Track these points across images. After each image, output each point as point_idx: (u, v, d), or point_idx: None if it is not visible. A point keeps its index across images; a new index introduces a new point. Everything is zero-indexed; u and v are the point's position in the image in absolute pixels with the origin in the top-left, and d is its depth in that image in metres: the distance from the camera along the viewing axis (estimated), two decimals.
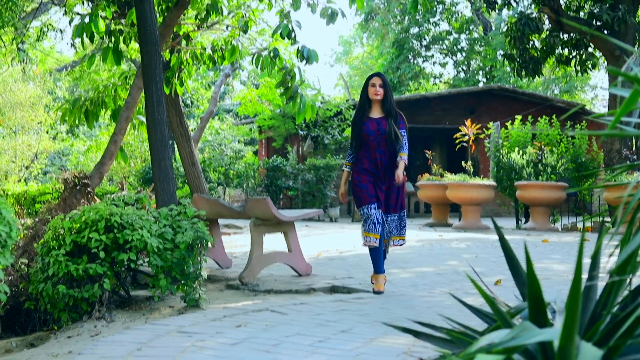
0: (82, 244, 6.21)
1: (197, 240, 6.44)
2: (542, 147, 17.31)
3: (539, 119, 19.00)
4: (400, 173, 7.45)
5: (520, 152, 17.57)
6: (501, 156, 17.93)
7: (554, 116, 18.56)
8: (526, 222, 17.22)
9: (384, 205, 7.61)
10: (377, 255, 7.50)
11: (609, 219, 15.79)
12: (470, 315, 3.04)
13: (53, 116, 20.49)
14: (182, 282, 6.41)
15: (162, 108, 8.36)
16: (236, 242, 13.09)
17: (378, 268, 7.47)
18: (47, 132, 23.22)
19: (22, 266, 7.47)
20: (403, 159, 7.54)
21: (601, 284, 2.52)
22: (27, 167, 20.63)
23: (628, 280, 2.59)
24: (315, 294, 7.23)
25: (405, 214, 7.81)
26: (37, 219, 10.41)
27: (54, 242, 6.33)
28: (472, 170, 17.73)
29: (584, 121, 18.15)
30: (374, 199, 7.51)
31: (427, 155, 18.99)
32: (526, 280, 2.46)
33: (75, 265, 6.09)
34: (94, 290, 6.08)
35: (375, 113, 7.78)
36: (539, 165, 17.04)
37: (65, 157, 31.74)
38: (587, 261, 2.68)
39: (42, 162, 22.66)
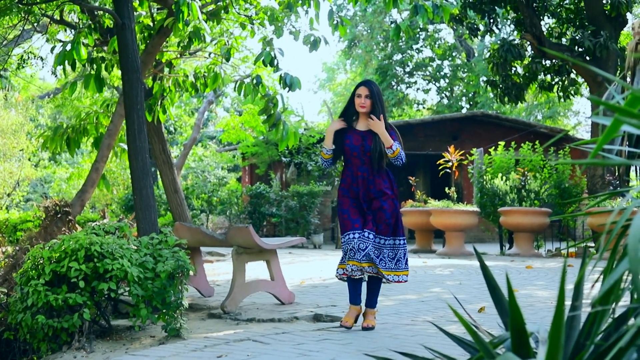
0: (62, 274, 6.15)
1: (178, 269, 6.39)
2: (526, 172, 17.34)
3: (522, 144, 19.04)
4: (381, 127, 6.70)
5: (504, 178, 17.59)
6: (485, 182, 17.95)
7: (537, 142, 18.60)
8: (510, 247, 17.21)
9: (375, 226, 6.72)
10: (355, 283, 6.72)
11: (592, 245, 15.80)
12: (453, 344, 3.00)
13: (35, 143, 20.39)
14: (163, 311, 6.34)
15: (143, 136, 8.32)
16: (219, 269, 13.02)
17: (352, 297, 6.74)
18: (29, 159, 23.12)
19: (2, 295, 7.39)
20: (391, 146, 6.73)
21: (585, 309, 2.49)
22: (8, 195, 20.50)
23: (611, 309, 2.56)
24: (298, 322, 7.17)
25: (403, 243, 6.82)
26: (17, 248, 10.32)
27: (33, 271, 6.25)
28: (455, 196, 17.71)
29: (567, 147, 18.19)
30: (357, 224, 6.67)
31: (410, 181, 18.98)
32: (508, 311, 2.43)
33: (54, 295, 6.02)
34: (73, 320, 6.00)
35: (362, 125, 6.95)
36: (523, 191, 17.06)
37: (48, 185, 31.62)
38: (570, 287, 2.65)
39: (24, 189, 22.53)
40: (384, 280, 6.76)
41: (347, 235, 6.70)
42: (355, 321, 6.75)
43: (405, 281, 6.88)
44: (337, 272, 6.87)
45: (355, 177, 6.86)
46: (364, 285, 6.90)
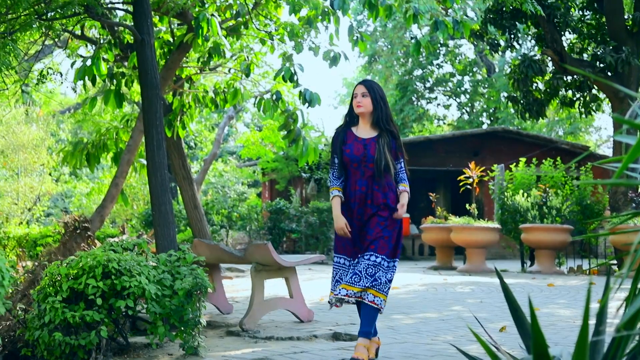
0: (79, 291, 6.11)
1: (196, 286, 6.33)
2: (547, 189, 17.22)
3: (544, 161, 18.91)
4: (402, 209, 5.93)
5: (525, 194, 17.47)
6: (505, 198, 17.83)
7: (558, 158, 18.47)
8: (531, 265, 17.07)
9: (357, 243, 5.97)
10: (361, 310, 5.85)
11: (615, 262, 15.64)
12: None
13: (56, 158, 20.45)
14: (181, 329, 6.29)
15: (162, 152, 8.30)
16: (238, 286, 12.97)
17: (363, 327, 5.80)
18: (50, 174, 23.19)
19: (20, 312, 7.37)
20: (406, 190, 6.06)
21: (610, 328, 2.42)
22: (29, 209, 20.56)
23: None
24: (317, 341, 7.09)
25: (393, 266, 5.92)
26: (36, 263, 10.31)
27: (51, 288, 6.22)
28: (476, 212, 17.62)
29: (588, 163, 18.05)
30: (348, 247, 6.01)
31: (430, 197, 18.90)
32: (531, 334, 2.36)
33: (72, 312, 5.98)
34: (90, 337, 5.96)
35: (363, 131, 6.13)
36: (544, 207, 16.92)
37: (68, 199, 31.71)
38: (594, 306, 2.58)
39: (45, 204, 22.57)
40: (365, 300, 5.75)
41: (336, 258, 6.08)
42: (376, 355, 5.98)
43: (380, 307, 5.77)
44: (331, 300, 5.94)
45: (353, 192, 6.03)
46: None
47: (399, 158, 6.10)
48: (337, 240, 6.11)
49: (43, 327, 6.13)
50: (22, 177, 20.59)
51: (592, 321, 2.34)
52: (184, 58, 12.29)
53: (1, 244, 15.82)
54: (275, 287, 10.80)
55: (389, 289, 5.86)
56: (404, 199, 6.01)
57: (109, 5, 10.68)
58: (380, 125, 6.07)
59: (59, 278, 6.24)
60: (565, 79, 18.59)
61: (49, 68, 10.08)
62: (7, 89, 11.56)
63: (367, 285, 5.71)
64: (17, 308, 7.27)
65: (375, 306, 5.72)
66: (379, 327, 7.51)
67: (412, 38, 36.76)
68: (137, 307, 6.37)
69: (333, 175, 6.18)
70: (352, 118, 6.22)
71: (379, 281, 5.75)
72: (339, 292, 5.76)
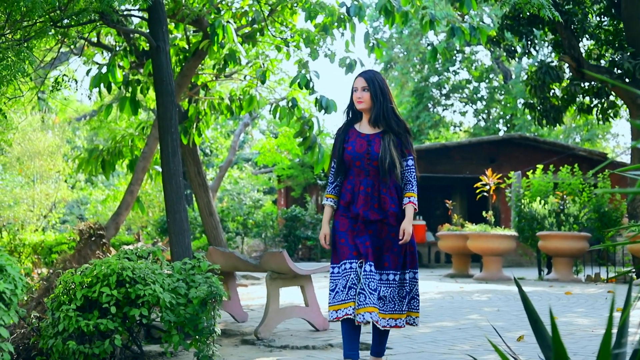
0: (93, 299, 6.07)
1: (211, 295, 6.29)
2: (564, 196, 17.10)
3: (561, 168, 18.79)
4: (408, 226, 5.46)
5: (542, 201, 17.36)
6: (522, 206, 17.72)
7: (576, 165, 18.35)
8: (549, 272, 16.95)
9: (375, 259, 5.43)
10: (349, 330, 5.36)
11: (634, 270, 15.52)
12: None
13: (71, 165, 20.49)
14: (196, 338, 6.25)
15: (177, 159, 8.27)
16: (253, 293, 12.92)
17: (346, 350, 5.38)
18: (66, 181, 23.22)
19: (34, 320, 7.34)
20: (412, 201, 5.53)
21: (632, 338, 2.36)
22: (45, 216, 20.58)
23: None
24: (332, 350, 7.03)
25: (415, 276, 5.60)
26: (51, 271, 10.30)
27: (65, 296, 6.19)
28: (493, 220, 17.52)
29: (606, 171, 17.90)
30: (355, 252, 5.39)
31: (447, 205, 18.81)
32: (552, 347, 2.30)
33: (85, 320, 5.95)
34: (105, 346, 5.92)
35: (367, 127, 5.67)
36: (561, 215, 16.81)
37: (84, 206, 31.78)
38: (613, 315, 2.51)
39: (60, 211, 22.59)
40: (379, 325, 5.31)
41: (342, 265, 5.40)
42: None
43: (416, 325, 5.59)
44: (330, 315, 5.37)
45: (356, 193, 5.54)
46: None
47: (406, 155, 5.59)
48: (335, 246, 5.55)
49: (57, 336, 6.10)
50: (38, 184, 20.62)
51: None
52: (200, 65, 12.27)
53: (17, 251, 15.84)
54: (290, 295, 10.75)
55: (418, 303, 5.60)
56: (410, 213, 5.51)
57: (125, 13, 10.66)
58: (382, 121, 5.58)
59: (73, 286, 6.20)
60: (582, 85, 18.48)
61: (64, 75, 10.06)
62: (23, 96, 11.56)
63: (401, 309, 5.47)
64: (32, 316, 7.25)
65: (410, 325, 5.63)
66: (395, 336, 7.46)
67: (428, 44, 36.64)
68: (151, 315, 6.33)
69: (329, 180, 5.78)
70: (354, 114, 5.76)
71: (395, 301, 5.46)
72: (363, 317, 5.18)
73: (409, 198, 5.54)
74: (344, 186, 5.66)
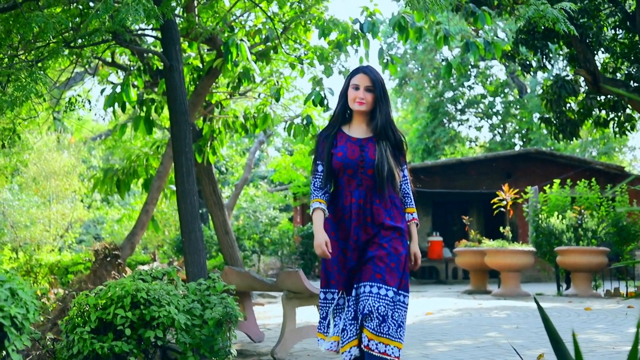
0: (108, 321, 6.02)
1: (227, 316, 6.23)
2: (582, 211, 16.97)
3: (578, 182, 18.67)
4: (418, 250, 4.96)
5: (560, 216, 17.24)
6: (540, 221, 17.60)
7: (593, 179, 18.22)
8: (567, 288, 16.81)
9: (355, 272, 4.81)
10: None
11: None
12: None
13: (87, 185, 20.53)
14: (212, 359, 6.19)
15: (191, 179, 8.23)
16: (270, 312, 12.85)
17: None
18: (82, 201, 23.25)
19: (49, 342, 7.29)
20: (415, 218, 5.00)
21: None
22: (61, 236, 20.60)
23: None
24: None
25: (404, 302, 4.78)
26: (66, 292, 10.29)
27: (79, 318, 6.14)
28: (510, 235, 17.40)
29: (624, 184, 17.78)
30: (342, 287, 4.82)
31: (464, 220, 18.69)
32: None
33: (100, 343, 5.90)
34: None
35: (358, 130, 5.00)
36: (579, 229, 16.68)
37: (100, 226, 31.82)
38: (633, 330, 2.42)
39: (77, 230, 22.61)
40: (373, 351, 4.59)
41: (329, 293, 4.88)
42: None
43: (397, 357, 4.63)
44: (321, 345, 4.94)
45: (347, 207, 4.85)
46: None
47: (401, 164, 4.98)
48: (325, 269, 4.91)
49: (72, 358, 6.05)
50: (54, 204, 20.66)
51: (626, 348, 2.20)
52: (214, 83, 12.25)
53: (33, 272, 15.85)
54: (307, 314, 10.67)
55: (404, 332, 4.70)
56: (416, 233, 4.99)
57: (139, 32, 10.67)
58: (378, 127, 4.91)
59: (87, 308, 6.16)
60: (599, 98, 18.39)
61: (78, 95, 10.08)
62: (38, 116, 11.58)
63: (377, 330, 4.58)
64: (47, 338, 7.21)
65: (388, 358, 4.59)
66: (413, 355, 7.36)
67: (442, 60, 36.60)
68: (166, 337, 6.27)
69: (314, 185, 4.96)
70: (344, 114, 5.06)
71: (392, 324, 4.61)
72: (349, 355, 4.68)
73: (412, 214, 5.00)
74: (333, 199, 4.97)
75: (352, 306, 4.72)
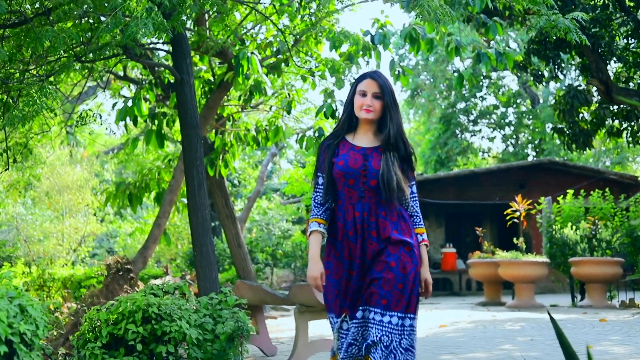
0: (119, 336, 5.99)
1: (238, 330, 6.19)
2: (596, 221, 16.88)
3: (592, 192, 18.58)
4: (429, 275, 4.52)
5: (574, 227, 17.16)
6: (554, 232, 17.52)
7: (607, 189, 18.13)
8: (582, 299, 16.70)
9: (355, 296, 4.43)
10: None
11: None
12: None
13: (100, 199, 20.56)
14: None
15: (203, 192, 8.21)
16: (283, 325, 12.81)
17: None
18: (95, 215, 23.28)
19: (60, 357, 7.28)
20: (425, 239, 4.55)
21: None
22: (74, 250, 20.61)
23: None
24: None
25: (413, 323, 4.39)
26: (79, 306, 10.27)
27: (90, 334, 6.11)
28: (524, 246, 17.32)
29: (638, 194, 17.66)
30: (345, 307, 4.44)
31: (477, 232, 18.62)
32: None
33: (112, 358, 5.87)
34: None
35: (363, 139, 4.58)
36: (594, 240, 16.58)
37: (113, 239, 31.83)
38: None
39: (90, 244, 22.63)
40: None
41: (329, 317, 4.54)
42: None
43: None
44: None
45: (350, 222, 4.44)
46: None
47: (409, 180, 4.54)
48: (325, 293, 4.53)
49: None
50: (67, 218, 20.68)
51: None
52: (225, 97, 12.24)
53: (46, 286, 15.86)
54: (320, 328, 10.62)
55: (413, 355, 4.36)
56: (426, 256, 4.53)
57: (150, 46, 10.68)
58: (387, 138, 4.51)
59: (98, 323, 6.13)
60: (611, 108, 18.31)
61: (90, 110, 10.09)
62: (50, 130, 11.61)
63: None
64: (59, 353, 7.19)
65: None
66: None
67: (454, 71, 36.55)
68: (178, 351, 6.24)
69: (315, 200, 4.58)
70: (349, 123, 4.65)
71: (398, 352, 4.29)
72: None
73: (422, 235, 4.56)
74: (334, 214, 4.54)
75: (359, 328, 4.35)
